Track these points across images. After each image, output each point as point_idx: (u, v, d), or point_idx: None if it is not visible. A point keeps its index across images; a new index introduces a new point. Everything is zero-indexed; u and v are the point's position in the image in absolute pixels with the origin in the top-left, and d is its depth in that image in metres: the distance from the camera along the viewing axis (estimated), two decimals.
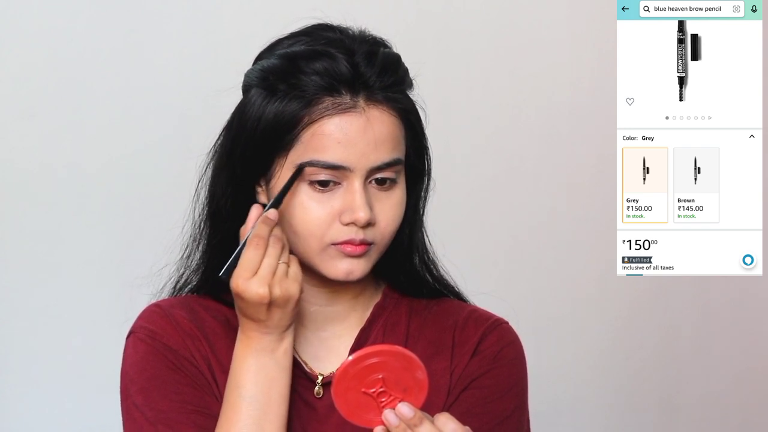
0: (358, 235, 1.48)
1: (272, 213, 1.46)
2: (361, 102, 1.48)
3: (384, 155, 1.48)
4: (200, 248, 1.58)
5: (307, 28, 1.54)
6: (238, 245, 1.49)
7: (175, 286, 1.60)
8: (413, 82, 1.55)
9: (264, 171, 1.51)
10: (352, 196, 1.47)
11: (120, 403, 1.54)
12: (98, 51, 2.43)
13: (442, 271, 1.62)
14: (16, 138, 2.40)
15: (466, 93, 2.76)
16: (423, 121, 1.56)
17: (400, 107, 1.50)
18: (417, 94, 1.57)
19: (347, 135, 1.47)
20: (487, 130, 2.78)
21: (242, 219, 1.52)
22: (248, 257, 1.44)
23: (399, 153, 1.49)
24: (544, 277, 2.85)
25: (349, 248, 1.48)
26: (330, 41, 1.50)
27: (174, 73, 2.48)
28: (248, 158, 1.51)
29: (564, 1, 2.83)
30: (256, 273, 1.44)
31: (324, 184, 1.48)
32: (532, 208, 2.83)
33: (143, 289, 1.64)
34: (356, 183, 1.47)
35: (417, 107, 1.54)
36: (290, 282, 1.46)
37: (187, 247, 1.60)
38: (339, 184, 1.48)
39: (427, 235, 1.61)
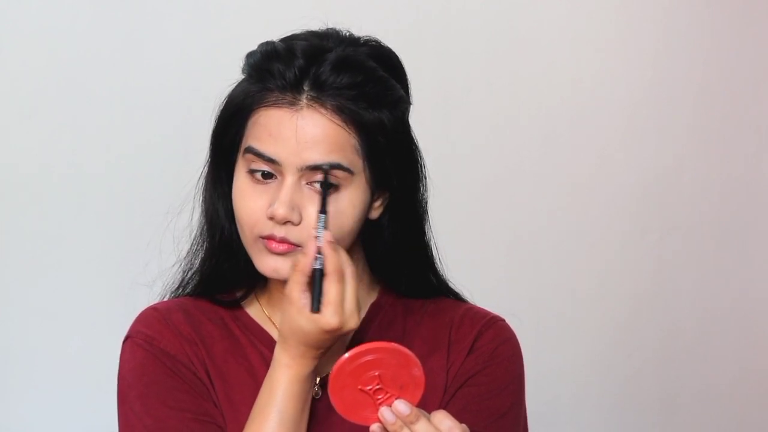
0: (279, 232, 1.48)
1: (329, 235, 1.46)
2: (303, 101, 1.48)
3: (316, 156, 1.47)
4: (203, 247, 1.59)
5: (321, 30, 1.54)
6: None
7: (179, 286, 1.61)
8: (406, 99, 1.54)
9: (234, 158, 1.53)
10: (279, 191, 1.48)
11: (117, 407, 1.55)
12: (98, 51, 2.42)
13: (445, 277, 1.62)
14: (16, 138, 2.39)
15: (466, 93, 2.76)
16: (405, 143, 1.54)
17: (348, 118, 1.48)
18: (417, 95, 1.57)
19: (278, 129, 1.47)
20: (486, 131, 2.78)
21: (229, 215, 1.53)
22: (338, 292, 1.43)
23: (339, 159, 1.48)
24: (545, 277, 2.85)
25: (272, 244, 1.49)
26: (308, 44, 1.50)
27: (174, 73, 2.47)
28: (216, 143, 1.54)
29: (564, 1, 2.83)
30: (342, 306, 1.44)
31: (263, 175, 1.49)
32: (532, 208, 2.83)
33: (145, 289, 1.64)
34: (288, 179, 1.47)
35: (389, 128, 1.51)
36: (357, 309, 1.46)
37: (191, 246, 1.60)
38: (276, 178, 1.49)
39: (434, 242, 1.61)
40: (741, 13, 3.00)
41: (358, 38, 1.54)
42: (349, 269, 1.45)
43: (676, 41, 2.94)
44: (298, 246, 1.48)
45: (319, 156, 1.47)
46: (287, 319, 1.45)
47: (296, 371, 1.46)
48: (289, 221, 1.48)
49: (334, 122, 1.48)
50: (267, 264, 1.50)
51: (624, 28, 2.90)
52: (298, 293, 1.44)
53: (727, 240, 3.03)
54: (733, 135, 3.02)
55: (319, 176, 1.48)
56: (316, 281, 1.43)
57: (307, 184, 1.48)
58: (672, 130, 2.96)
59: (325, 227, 1.45)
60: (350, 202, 1.50)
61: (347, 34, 1.54)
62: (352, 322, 1.44)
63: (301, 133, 1.47)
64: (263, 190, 1.49)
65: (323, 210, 1.46)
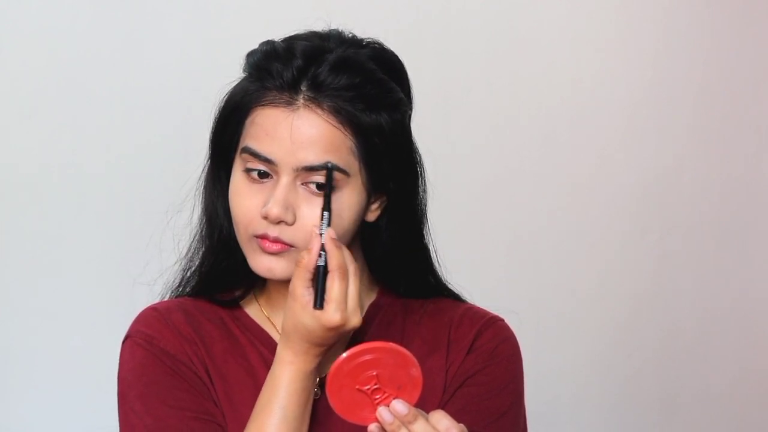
0: (272, 231, 1.48)
1: (332, 232, 1.46)
2: (300, 102, 1.47)
3: (311, 157, 1.47)
4: (202, 246, 1.59)
5: (324, 31, 1.54)
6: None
7: (179, 285, 1.61)
8: (405, 103, 1.53)
9: (232, 157, 1.52)
10: (273, 191, 1.48)
11: (117, 407, 1.54)
12: (98, 51, 2.43)
13: (444, 278, 1.62)
14: (16, 138, 2.40)
15: (466, 93, 2.76)
16: (405, 146, 1.54)
17: (344, 119, 1.48)
18: (418, 95, 1.57)
19: (275, 128, 1.47)
20: (486, 131, 2.79)
21: (228, 214, 1.53)
22: (341, 289, 1.44)
23: (334, 159, 1.47)
24: (545, 277, 2.85)
25: (265, 243, 1.49)
26: (308, 45, 1.50)
27: (174, 73, 2.48)
28: (216, 142, 1.54)
29: (564, 1, 2.83)
30: (345, 303, 1.44)
31: (259, 174, 1.49)
32: (532, 209, 2.83)
33: (145, 289, 1.64)
34: (283, 179, 1.47)
35: (387, 130, 1.50)
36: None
37: (191, 245, 1.60)
38: (272, 177, 1.49)
39: (433, 245, 1.60)
40: (741, 13, 3.00)
41: (361, 40, 1.53)
42: (352, 267, 1.45)
43: (676, 41, 2.94)
44: (292, 246, 1.48)
45: (314, 156, 1.47)
46: (290, 316, 1.45)
47: (298, 368, 1.47)
48: (282, 221, 1.48)
49: (330, 123, 1.47)
50: (261, 263, 1.50)
51: (624, 28, 2.90)
52: (301, 289, 1.44)
53: (727, 240, 3.03)
54: (733, 135, 3.02)
55: (315, 177, 1.48)
56: (319, 278, 1.44)
57: (302, 184, 1.48)
58: (672, 130, 2.96)
59: (329, 225, 1.46)
60: (345, 204, 1.50)
61: (350, 35, 1.54)
62: (355, 320, 1.44)
63: (297, 133, 1.47)
64: (259, 189, 1.49)
65: (327, 207, 1.46)
